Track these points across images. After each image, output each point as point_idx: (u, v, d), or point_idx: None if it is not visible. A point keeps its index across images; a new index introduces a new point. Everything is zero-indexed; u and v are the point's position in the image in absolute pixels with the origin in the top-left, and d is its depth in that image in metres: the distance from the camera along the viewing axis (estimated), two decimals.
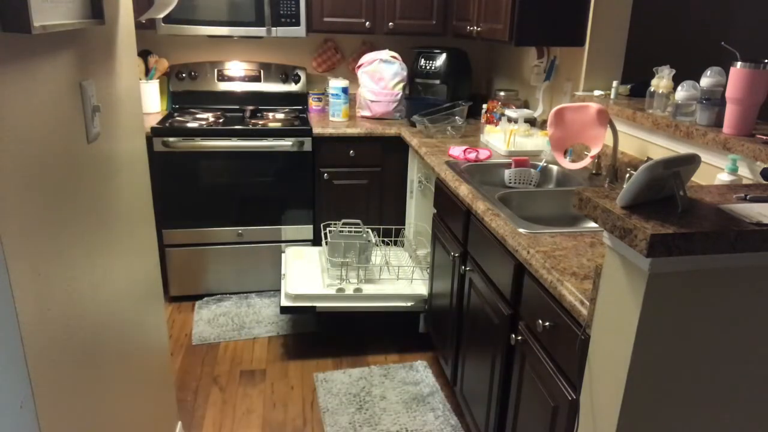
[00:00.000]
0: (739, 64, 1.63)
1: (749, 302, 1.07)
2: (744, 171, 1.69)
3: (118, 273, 1.42)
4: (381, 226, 3.26)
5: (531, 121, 2.81)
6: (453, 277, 2.25)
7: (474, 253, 2.04)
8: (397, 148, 3.18)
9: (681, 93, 1.93)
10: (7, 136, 0.89)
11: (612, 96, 2.41)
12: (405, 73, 3.36)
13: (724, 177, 1.62)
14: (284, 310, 2.66)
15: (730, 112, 1.70)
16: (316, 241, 3.25)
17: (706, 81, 1.82)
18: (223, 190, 3.07)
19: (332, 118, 3.32)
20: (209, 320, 3.01)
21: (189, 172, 3.00)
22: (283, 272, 2.91)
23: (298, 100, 3.56)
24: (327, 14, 3.20)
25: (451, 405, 2.42)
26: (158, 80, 3.34)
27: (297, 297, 2.65)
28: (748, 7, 3.23)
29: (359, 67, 3.36)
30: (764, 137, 1.64)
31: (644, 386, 1.09)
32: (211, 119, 3.16)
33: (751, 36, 3.13)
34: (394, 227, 3.32)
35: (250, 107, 3.46)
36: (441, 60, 3.33)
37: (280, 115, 3.36)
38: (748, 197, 1.14)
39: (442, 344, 2.47)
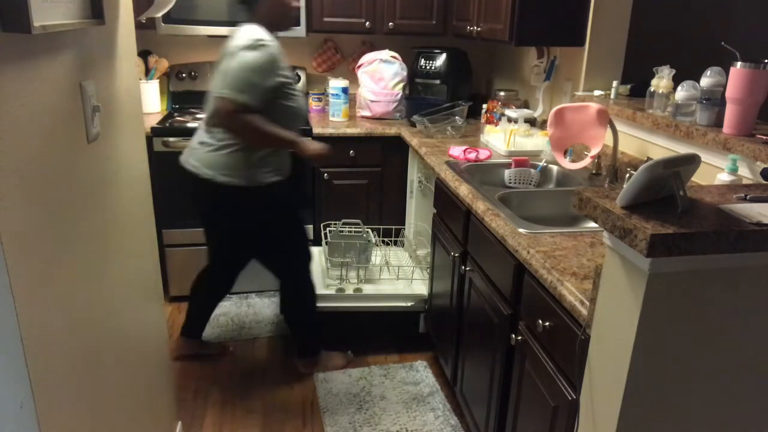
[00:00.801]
0: (739, 64, 1.63)
1: (749, 302, 1.07)
2: (744, 171, 1.69)
3: (118, 273, 1.42)
4: (381, 226, 3.26)
5: (531, 121, 2.81)
6: (453, 277, 2.25)
7: (474, 253, 2.04)
8: (397, 148, 3.18)
9: (681, 93, 1.93)
10: (7, 135, 0.89)
11: (612, 96, 2.41)
12: (405, 73, 3.36)
13: (724, 177, 1.62)
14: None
15: (730, 112, 1.70)
16: (316, 241, 3.25)
17: (706, 81, 1.82)
18: None
19: (332, 118, 3.31)
20: (209, 320, 3.00)
21: None
22: None
23: None
24: (327, 14, 3.20)
25: (451, 405, 2.42)
26: (158, 80, 3.34)
27: None
28: (748, 7, 3.23)
29: (359, 67, 3.36)
30: (764, 137, 1.64)
31: (644, 386, 1.09)
32: None
33: (752, 36, 3.13)
34: (394, 227, 3.31)
35: None
36: (441, 60, 3.33)
37: None
38: (748, 197, 1.14)
39: (442, 344, 2.47)
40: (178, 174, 3.10)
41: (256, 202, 2.24)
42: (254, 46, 2.04)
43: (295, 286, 2.49)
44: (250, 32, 2.08)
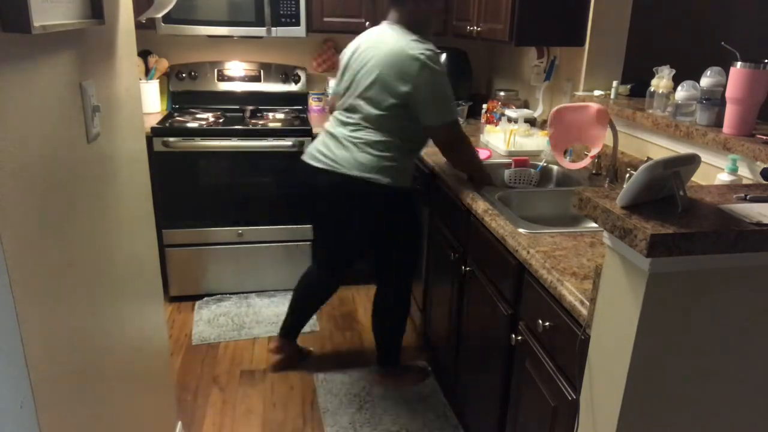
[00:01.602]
0: (739, 64, 1.63)
1: (749, 302, 1.07)
2: (744, 171, 1.69)
3: (118, 273, 1.42)
4: None
5: (531, 121, 2.81)
6: (453, 277, 2.25)
7: (474, 253, 2.04)
8: None
9: (681, 93, 1.93)
10: (8, 136, 0.89)
11: (612, 96, 2.41)
12: None
13: (724, 177, 1.62)
14: None
15: (730, 112, 1.70)
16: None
17: (706, 81, 1.82)
18: (223, 190, 3.07)
19: None
20: (209, 320, 3.01)
21: (189, 172, 2.99)
22: None
23: (298, 100, 3.56)
24: (327, 14, 3.20)
25: (451, 405, 2.42)
26: (158, 80, 3.34)
27: None
28: (749, 7, 3.23)
29: None
30: (764, 137, 1.64)
31: (644, 386, 1.09)
32: (211, 119, 3.16)
33: (752, 36, 3.13)
34: None
35: (250, 107, 3.46)
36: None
37: (280, 115, 3.36)
38: (748, 197, 1.14)
39: (441, 344, 2.47)
40: (178, 174, 3.08)
41: (405, 203, 2.27)
42: (434, 58, 2.09)
43: (397, 297, 2.45)
44: (415, 40, 2.09)
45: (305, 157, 2.27)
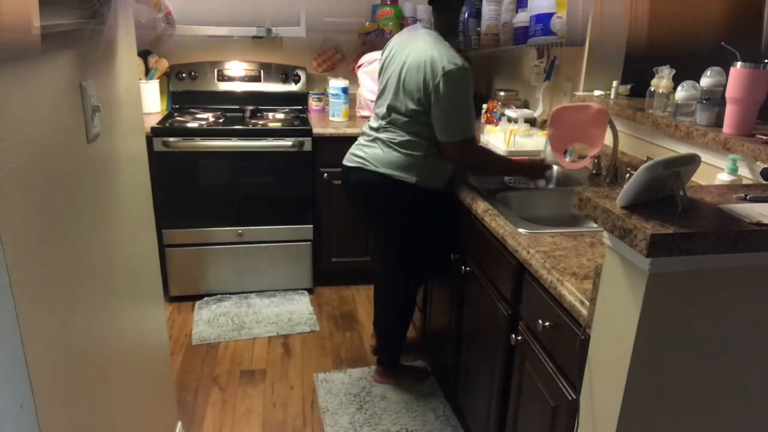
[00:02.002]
0: (739, 64, 1.63)
1: (749, 302, 1.07)
2: (744, 171, 1.69)
3: (118, 273, 1.42)
4: None
5: (531, 121, 2.81)
6: (453, 277, 2.25)
7: (474, 253, 2.04)
8: None
9: (681, 93, 1.93)
10: (8, 136, 0.89)
11: (612, 96, 2.41)
12: None
13: (724, 177, 1.62)
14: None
15: (730, 112, 1.70)
16: (316, 241, 3.25)
17: (706, 81, 1.82)
18: (223, 190, 3.07)
19: (332, 118, 3.32)
20: (209, 320, 3.01)
21: (189, 172, 2.99)
22: None
23: (298, 100, 3.56)
24: (327, 14, 3.20)
25: (451, 405, 2.42)
26: (158, 80, 3.34)
27: None
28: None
29: (359, 67, 3.36)
30: (764, 137, 1.63)
31: (644, 386, 1.09)
32: (211, 119, 3.16)
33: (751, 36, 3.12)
34: None
35: (250, 107, 3.46)
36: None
37: (280, 115, 3.36)
38: (748, 197, 1.13)
39: (441, 344, 2.47)
40: (178, 174, 3.09)
41: (430, 204, 2.27)
42: (459, 72, 2.02)
43: (405, 296, 2.44)
44: (444, 49, 2.05)
45: (343, 161, 2.35)
